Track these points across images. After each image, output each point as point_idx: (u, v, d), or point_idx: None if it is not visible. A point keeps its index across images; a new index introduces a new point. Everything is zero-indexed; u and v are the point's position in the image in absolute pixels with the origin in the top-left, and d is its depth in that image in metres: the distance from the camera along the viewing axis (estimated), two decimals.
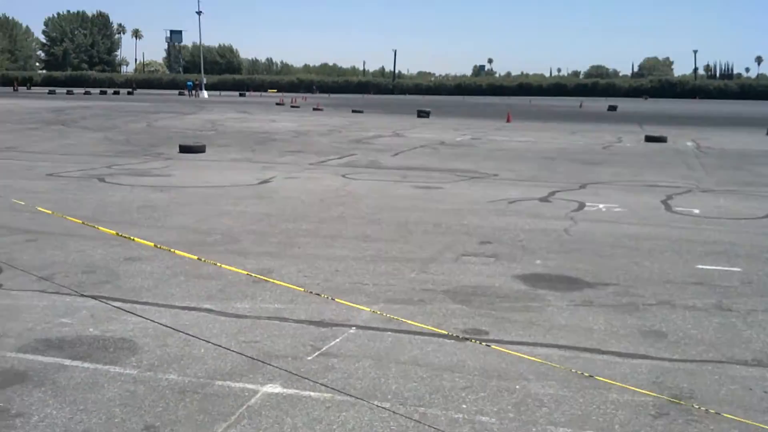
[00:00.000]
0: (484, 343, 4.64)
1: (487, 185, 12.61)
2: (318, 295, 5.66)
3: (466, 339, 4.86)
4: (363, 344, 4.79)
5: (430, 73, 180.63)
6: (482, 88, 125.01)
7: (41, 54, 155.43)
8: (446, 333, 4.95)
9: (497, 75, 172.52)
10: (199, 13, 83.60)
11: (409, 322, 4.97)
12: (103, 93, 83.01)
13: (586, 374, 4.18)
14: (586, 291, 6.10)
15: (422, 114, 36.97)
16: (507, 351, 4.52)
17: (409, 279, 6.40)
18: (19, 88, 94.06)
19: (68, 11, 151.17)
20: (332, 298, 5.53)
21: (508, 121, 33.83)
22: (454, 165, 15.65)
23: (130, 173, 13.28)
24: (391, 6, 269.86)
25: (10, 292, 5.77)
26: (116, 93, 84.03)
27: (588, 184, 12.93)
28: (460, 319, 5.32)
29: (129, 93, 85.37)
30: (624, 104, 64.06)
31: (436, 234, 8.35)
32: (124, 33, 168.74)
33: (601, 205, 10.54)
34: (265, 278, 6.04)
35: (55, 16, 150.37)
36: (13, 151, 17.06)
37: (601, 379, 4.13)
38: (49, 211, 7.55)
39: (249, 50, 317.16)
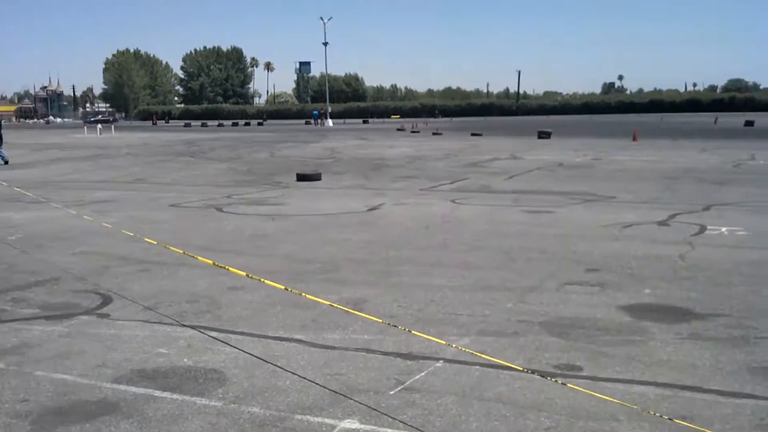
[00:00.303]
0: (575, 380, 4.41)
1: (602, 208, 12.14)
2: (409, 326, 5.62)
3: (557, 375, 4.64)
4: (448, 379, 4.66)
5: (556, 93, 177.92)
6: (611, 106, 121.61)
7: (179, 89, 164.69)
8: (536, 369, 4.74)
9: (628, 92, 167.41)
10: (325, 44, 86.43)
11: (494, 359, 4.80)
12: (235, 125, 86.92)
13: (683, 416, 3.87)
14: (694, 323, 5.70)
15: (543, 135, 36.31)
16: (600, 388, 4.26)
17: (505, 309, 6.20)
18: (158, 121, 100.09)
19: (204, 47, 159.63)
20: (423, 329, 5.46)
21: (634, 139, 32.63)
22: (570, 187, 15.19)
23: (247, 202, 13.73)
24: (516, 26, 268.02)
25: (116, 322, 6.03)
26: (247, 124, 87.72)
27: (713, 205, 12.19)
28: (554, 354, 5.09)
29: (259, 124, 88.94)
30: (762, 119, 60.38)
31: (540, 261, 8.08)
32: (256, 66, 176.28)
33: (723, 229, 9.89)
34: (358, 308, 6.06)
35: (193, 52, 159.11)
36: (143, 182, 18.06)
37: (696, 427, 3.81)
38: (154, 241, 7.88)
39: (374, 78, 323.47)
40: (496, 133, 45.97)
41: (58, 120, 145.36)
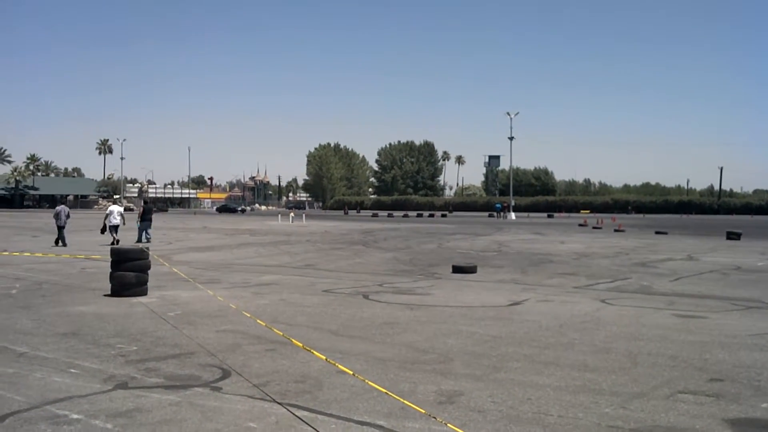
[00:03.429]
0: None
1: (761, 316, 11.27)
2: (494, 422, 5.65)
3: None
4: None
5: (766, 191, 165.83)
6: None
7: (373, 180, 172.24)
8: None
9: None
10: (511, 138, 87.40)
11: None
12: (419, 215, 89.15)
13: None
14: None
15: (732, 236, 34.06)
16: None
17: (600, 414, 6.00)
18: (349, 211, 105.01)
19: (398, 141, 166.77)
20: (506, 427, 5.46)
21: None
22: (738, 293, 14.21)
23: (395, 291, 14.15)
24: (721, 118, 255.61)
25: (225, 395, 6.52)
26: (431, 216, 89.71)
27: None
28: None
29: (443, 215, 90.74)
30: None
31: (664, 368, 7.69)
32: (447, 160, 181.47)
33: None
34: (451, 401, 6.16)
35: (387, 146, 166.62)
36: (310, 268, 19.10)
37: None
38: (263, 323, 8.38)
39: (566, 171, 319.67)
40: (683, 232, 43.75)
41: (263, 208, 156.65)
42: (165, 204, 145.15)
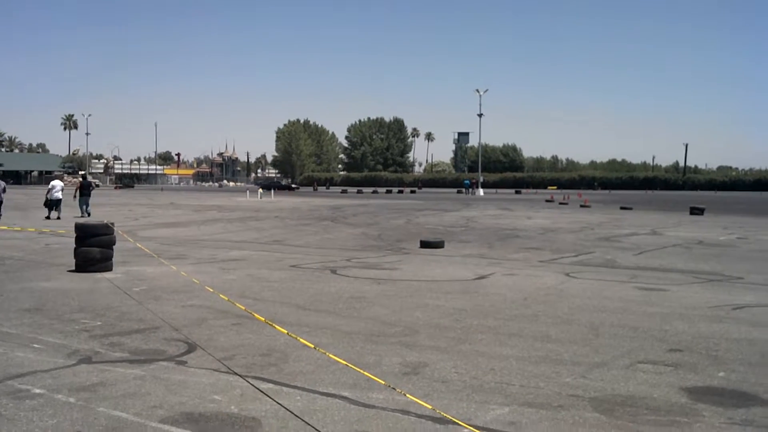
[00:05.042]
0: None
1: (721, 289, 11.51)
2: (456, 392, 5.74)
3: None
4: None
5: (731, 168, 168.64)
6: None
7: (343, 157, 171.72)
8: None
9: None
10: (480, 115, 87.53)
11: (521, 430, 4.78)
12: (389, 192, 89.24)
13: None
14: (754, 409, 5.37)
15: (695, 211, 34.62)
16: None
17: (561, 383, 6.11)
18: (319, 188, 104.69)
19: (368, 118, 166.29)
20: (467, 396, 5.56)
21: None
22: (699, 266, 14.48)
23: (363, 266, 14.18)
24: (684, 96, 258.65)
25: (189, 369, 6.52)
26: (400, 192, 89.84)
27: None
28: (587, 429, 4.98)
29: (412, 192, 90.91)
30: None
31: (625, 339, 7.84)
32: (417, 136, 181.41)
33: None
34: (415, 372, 6.25)
35: (357, 122, 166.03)
36: (278, 243, 19.05)
37: None
38: (229, 298, 8.37)
39: (534, 148, 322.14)
40: (648, 207, 44.38)
41: (231, 184, 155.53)
42: (131, 180, 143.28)
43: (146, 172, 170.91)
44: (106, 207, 39.06)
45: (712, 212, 36.64)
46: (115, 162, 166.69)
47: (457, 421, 5.07)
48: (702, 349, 7.36)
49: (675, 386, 6.01)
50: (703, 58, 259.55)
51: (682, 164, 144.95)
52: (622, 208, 40.92)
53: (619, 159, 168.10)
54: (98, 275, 12.27)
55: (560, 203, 49.91)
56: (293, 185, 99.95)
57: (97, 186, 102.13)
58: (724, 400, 5.60)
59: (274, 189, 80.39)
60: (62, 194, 29.50)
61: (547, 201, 53.70)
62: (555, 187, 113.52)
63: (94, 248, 12.64)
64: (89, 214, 28.82)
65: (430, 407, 5.34)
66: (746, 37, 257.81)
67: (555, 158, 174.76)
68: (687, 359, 6.93)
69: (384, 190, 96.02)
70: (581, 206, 43.21)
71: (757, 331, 8.19)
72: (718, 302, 10.18)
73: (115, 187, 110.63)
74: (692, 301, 10.33)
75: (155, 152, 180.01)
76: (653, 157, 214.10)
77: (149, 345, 7.41)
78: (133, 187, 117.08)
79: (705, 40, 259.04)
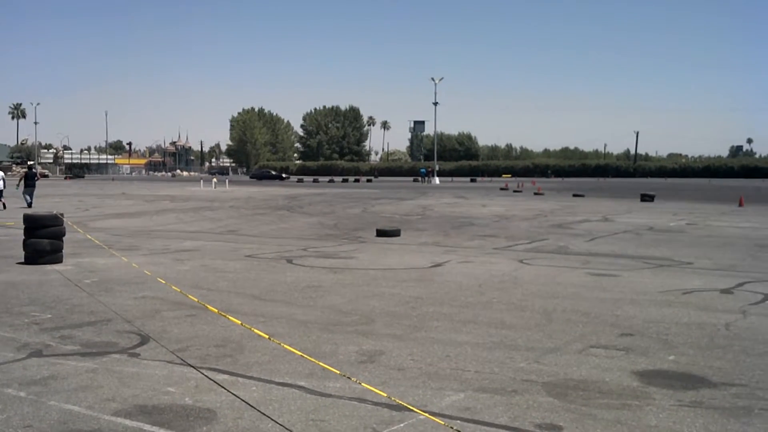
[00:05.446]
0: None
1: (671, 274, 11.76)
2: (413, 378, 5.77)
3: None
4: (423, 431, 4.73)
5: (680, 155, 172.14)
6: (734, 170, 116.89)
7: (298, 146, 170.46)
8: (517, 427, 4.76)
9: (757, 156, 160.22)
10: (435, 104, 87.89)
11: (477, 416, 4.83)
12: (345, 181, 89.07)
13: None
14: (702, 391, 5.51)
15: (646, 198, 35.32)
16: None
17: (516, 368, 6.19)
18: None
19: (324, 107, 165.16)
20: (424, 383, 5.59)
21: (740, 205, 31.25)
22: (649, 252, 14.78)
23: (319, 255, 14.15)
24: (635, 86, 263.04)
25: (143, 361, 6.43)
26: (356, 181, 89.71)
27: None
28: (542, 413, 5.05)
29: (368, 180, 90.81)
30: None
31: (577, 324, 7.97)
32: (373, 125, 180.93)
33: None
34: (372, 360, 6.27)
35: (313, 111, 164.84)
36: (233, 233, 18.89)
37: None
38: (182, 290, 8.29)
39: (489, 137, 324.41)
40: (600, 194, 45.13)
41: (185, 173, 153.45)
42: (81, 170, 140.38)
43: (97, 161, 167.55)
44: (55, 198, 38.28)
45: (662, 199, 37.40)
46: (65, 152, 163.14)
47: (412, 408, 5.10)
48: (652, 333, 7.52)
49: (626, 370, 6.14)
50: (653, 46, 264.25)
51: (632, 152, 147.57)
52: (574, 195, 41.53)
53: (572, 147, 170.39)
54: (48, 267, 12.02)
55: (514, 191, 50.42)
56: (283, 175, 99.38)
57: (46, 176, 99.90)
58: (673, 383, 5.74)
59: (265, 179, 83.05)
60: (3, 184, 29.47)
61: (502, 189, 54.19)
62: (509, 175, 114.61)
63: (43, 240, 12.37)
64: (30, 205, 28.49)
65: (386, 395, 5.36)
66: (694, 23, 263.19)
67: (509, 146, 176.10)
68: (638, 343, 7.08)
69: (340, 179, 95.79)
70: (535, 194, 43.74)
71: (705, 315, 8.39)
72: (667, 287, 10.40)
73: (65, 178, 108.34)
74: (643, 286, 10.54)
75: (106, 141, 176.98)
76: (605, 145, 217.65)
77: (101, 337, 7.29)
78: (83, 177, 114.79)
79: (655, 28, 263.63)
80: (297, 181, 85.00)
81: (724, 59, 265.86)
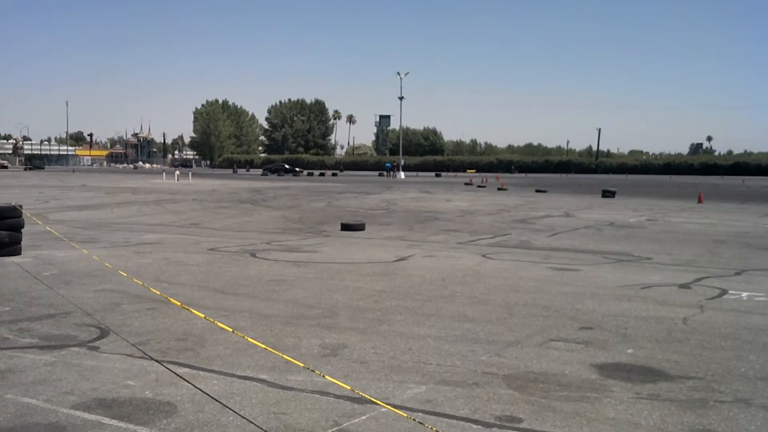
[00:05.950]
0: (510, 431, 4.45)
1: (630, 269, 11.96)
2: (375, 371, 5.79)
3: (494, 426, 4.69)
4: (385, 424, 4.75)
5: (641, 152, 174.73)
6: (693, 168, 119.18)
7: (263, 139, 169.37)
8: (477, 419, 4.81)
9: (717, 153, 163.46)
10: (401, 98, 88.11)
11: (438, 408, 4.87)
12: (310, 174, 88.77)
13: None
14: (660, 384, 5.63)
15: (607, 194, 35.83)
16: None
17: (477, 361, 6.25)
18: (239, 170, 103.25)
19: (289, 99, 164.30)
20: (386, 376, 5.62)
21: (699, 201, 31.88)
22: (609, 247, 15.00)
23: (283, 249, 14.10)
24: (597, 84, 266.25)
25: (102, 354, 6.36)
26: (322, 174, 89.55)
27: (747, 270, 11.86)
28: (502, 405, 5.12)
29: (333, 174, 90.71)
30: None
31: (538, 317, 8.07)
32: (339, 119, 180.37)
33: (744, 294, 9.63)
34: (335, 353, 6.28)
35: (278, 104, 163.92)
36: (195, 227, 18.74)
37: None
38: (144, 282, 8.22)
39: (454, 132, 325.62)
40: (562, 190, 45.64)
41: (147, 166, 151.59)
42: (41, 161, 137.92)
43: (57, 153, 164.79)
44: (15, 189, 37.58)
45: (623, 195, 37.96)
46: (25, 142, 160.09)
47: (375, 400, 5.13)
48: (612, 326, 7.64)
49: (586, 363, 6.24)
50: (617, 43, 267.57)
51: (595, 148, 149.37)
52: (537, 191, 41.97)
53: (535, 143, 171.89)
54: (6, 259, 11.80)
55: (478, 186, 50.75)
56: (297, 169, 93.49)
57: (5, 167, 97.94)
58: (632, 376, 5.85)
59: (279, 173, 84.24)
60: None
61: (466, 184, 54.53)
62: (474, 171, 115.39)
63: (1, 231, 12.13)
64: None
65: (348, 388, 5.37)
66: (658, 19, 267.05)
67: (474, 142, 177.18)
68: (597, 337, 7.19)
69: (305, 172, 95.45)
70: (498, 189, 44.08)
71: (664, 309, 8.55)
72: (627, 282, 10.57)
73: (25, 169, 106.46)
74: (603, 280, 10.70)
75: (67, 133, 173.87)
76: (567, 142, 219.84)
77: (60, 330, 7.19)
78: (43, 168, 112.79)
79: (616, 25, 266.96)
80: (261, 175, 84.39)
81: (686, 57, 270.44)
